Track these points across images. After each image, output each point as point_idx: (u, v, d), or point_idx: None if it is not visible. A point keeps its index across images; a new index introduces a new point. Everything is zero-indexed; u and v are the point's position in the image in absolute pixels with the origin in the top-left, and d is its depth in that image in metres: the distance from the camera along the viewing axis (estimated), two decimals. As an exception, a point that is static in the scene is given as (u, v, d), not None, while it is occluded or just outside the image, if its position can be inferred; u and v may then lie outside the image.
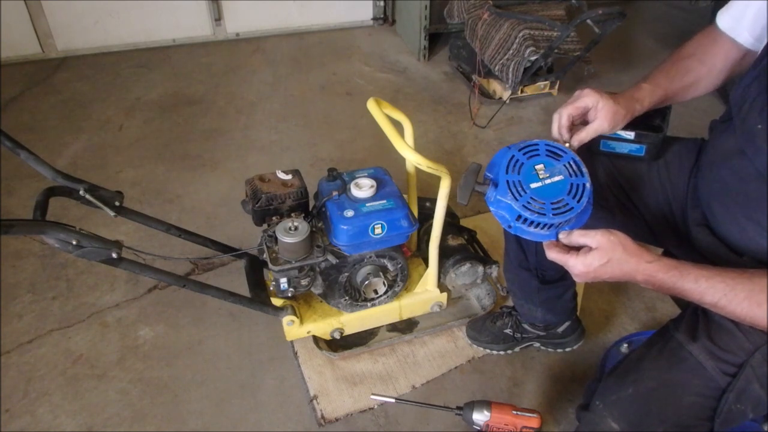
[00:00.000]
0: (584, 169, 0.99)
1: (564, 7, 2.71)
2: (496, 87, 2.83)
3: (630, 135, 1.15)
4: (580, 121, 1.10)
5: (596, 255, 0.90)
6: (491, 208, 1.01)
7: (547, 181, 0.97)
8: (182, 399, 1.51)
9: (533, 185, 0.96)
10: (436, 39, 3.30)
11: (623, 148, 1.18)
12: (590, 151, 1.20)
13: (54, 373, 1.57)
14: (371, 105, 1.35)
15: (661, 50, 3.34)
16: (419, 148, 1.27)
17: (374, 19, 3.65)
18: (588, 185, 0.98)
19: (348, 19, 3.61)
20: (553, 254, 0.95)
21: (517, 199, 0.95)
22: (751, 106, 0.95)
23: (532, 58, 2.46)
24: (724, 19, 1.12)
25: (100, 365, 1.59)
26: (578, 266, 0.92)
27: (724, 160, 1.02)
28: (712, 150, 1.08)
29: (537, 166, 0.98)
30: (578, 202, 0.96)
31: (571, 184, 0.97)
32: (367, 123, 2.50)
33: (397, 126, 1.33)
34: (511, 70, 2.52)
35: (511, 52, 2.52)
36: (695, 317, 0.99)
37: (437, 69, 3.16)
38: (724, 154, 1.02)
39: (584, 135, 1.08)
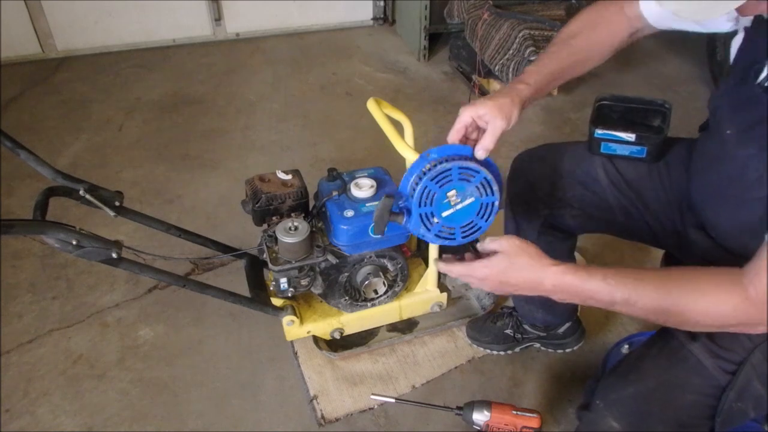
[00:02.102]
0: (495, 187, 1.01)
1: (564, 7, 2.71)
2: (496, 87, 2.82)
3: (631, 137, 1.15)
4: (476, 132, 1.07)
5: (499, 257, 0.90)
6: (410, 231, 1.04)
7: (459, 206, 1.00)
8: (182, 399, 1.51)
9: (445, 213, 1.00)
10: (436, 39, 3.30)
11: (624, 150, 1.18)
12: (591, 152, 1.20)
13: (54, 373, 1.57)
14: (371, 105, 1.35)
15: (660, 50, 3.34)
16: (419, 148, 1.27)
17: (374, 19, 3.65)
18: (497, 203, 1.01)
19: (348, 19, 3.61)
20: (453, 269, 0.95)
21: (429, 230, 1.01)
22: (722, 112, 0.97)
23: (532, 58, 2.46)
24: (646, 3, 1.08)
25: (100, 365, 1.59)
26: (481, 270, 0.91)
27: (710, 165, 1.03)
28: (698, 155, 1.09)
29: (449, 193, 0.99)
30: (486, 221, 1.02)
31: (481, 204, 1.01)
32: (367, 123, 2.50)
33: (397, 126, 1.33)
34: (511, 70, 2.52)
35: (511, 52, 2.52)
36: None
37: (437, 69, 3.16)
38: (709, 159, 1.03)
39: (487, 142, 1.01)
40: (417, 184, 0.99)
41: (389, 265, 1.46)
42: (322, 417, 1.46)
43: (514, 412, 1.26)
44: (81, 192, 1.24)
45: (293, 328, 1.47)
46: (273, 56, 3.30)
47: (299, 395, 1.52)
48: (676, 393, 0.94)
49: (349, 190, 1.39)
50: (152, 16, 3.25)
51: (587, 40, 1.13)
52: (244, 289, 1.45)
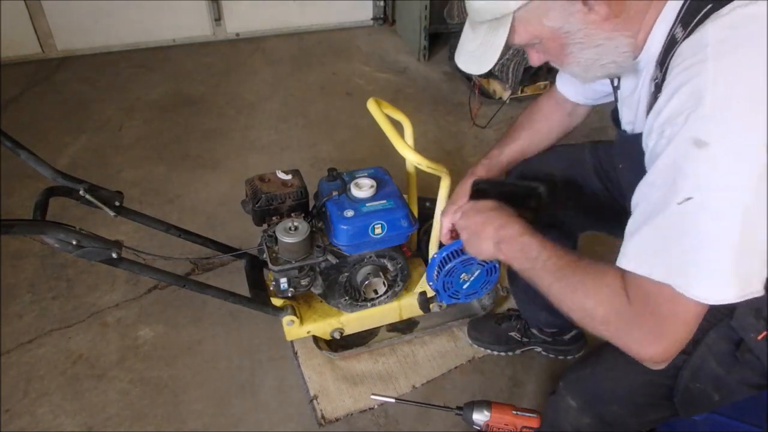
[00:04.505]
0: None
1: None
2: (496, 87, 2.82)
3: None
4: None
5: (474, 201, 1.09)
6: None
7: (472, 279, 1.37)
8: (182, 399, 1.51)
9: (465, 287, 1.39)
10: (436, 39, 3.29)
11: None
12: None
13: (54, 373, 1.57)
14: (371, 105, 1.35)
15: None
16: (419, 148, 1.27)
17: (374, 19, 3.65)
18: (497, 263, 1.35)
19: (348, 19, 3.61)
20: (447, 219, 1.21)
21: (459, 299, 1.42)
22: (615, 148, 1.09)
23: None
24: (560, 83, 1.23)
25: (100, 365, 1.59)
26: (465, 206, 1.09)
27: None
28: None
29: (462, 277, 1.36)
30: (495, 275, 1.39)
31: (487, 270, 1.36)
32: (367, 123, 2.50)
33: (397, 126, 1.33)
34: (511, 70, 2.52)
35: (511, 52, 2.52)
36: None
37: (437, 69, 3.16)
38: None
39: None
40: (437, 279, 1.35)
41: (389, 265, 1.46)
42: (322, 417, 1.46)
43: (514, 412, 1.25)
44: (81, 192, 1.24)
45: (293, 328, 1.47)
46: (273, 56, 3.30)
47: (299, 395, 1.52)
48: (628, 373, 0.96)
49: (349, 190, 1.39)
50: (152, 16, 3.25)
51: (529, 132, 1.29)
52: (244, 289, 1.45)
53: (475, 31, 0.90)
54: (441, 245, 1.38)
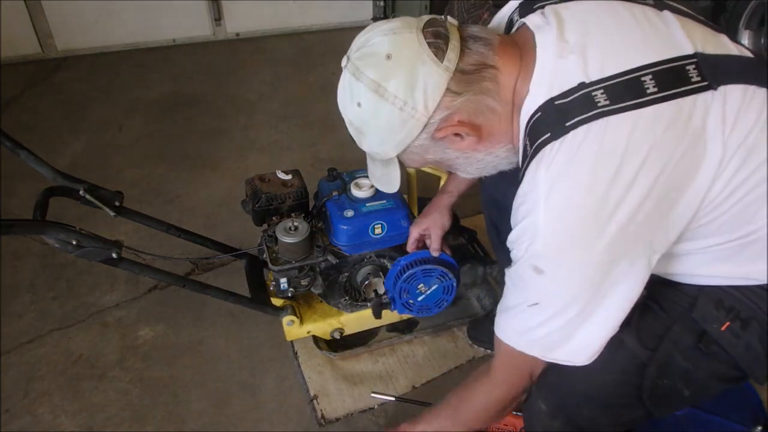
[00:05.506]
0: (450, 274, 1.36)
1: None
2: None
3: None
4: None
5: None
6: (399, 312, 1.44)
7: (428, 292, 1.39)
8: (182, 399, 1.51)
9: (420, 299, 1.39)
10: (436, 39, 3.30)
11: None
12: None
13: (54, 373, 1.57)
14: (371, 105, 1.35)
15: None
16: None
17: (374, 19, 3.65)
18: (455, 283, 1.38)
19: (348, 19, 3.62)
20: None
21: (411, 311, 1.43)
22: None
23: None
24: None
25: (100, 365, 1.59)
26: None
27: None
28: None
29: (419, 286, 1.37)
30: (450, 295, 1.42)
31: (444, 287, 1.39)
32: (367, 123, 2.50)
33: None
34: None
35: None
36: (634, 309, 0.99)
37: (437, 69, 3.16)
38: None
39: (435, 245, 1.35)
40: (395, 284, 1.36)
41: (389, 265, 1.46)
42: (322, 417, 1.46)
43: (514, 413, 1.26)
44: (81, 192, 1.24)
45: (293, 328, 1.47)
46: (273, 56, 3.30)
47: (299, 395, 1.52)
48: (596, 373, 0.95)
49: (349, 190, 1.39)
50: (152, 16, 3.25)
51: None
52: (244, 289, 1.45)
53: (374, 163, 1.02)
54: (406, 254, 1.41)
